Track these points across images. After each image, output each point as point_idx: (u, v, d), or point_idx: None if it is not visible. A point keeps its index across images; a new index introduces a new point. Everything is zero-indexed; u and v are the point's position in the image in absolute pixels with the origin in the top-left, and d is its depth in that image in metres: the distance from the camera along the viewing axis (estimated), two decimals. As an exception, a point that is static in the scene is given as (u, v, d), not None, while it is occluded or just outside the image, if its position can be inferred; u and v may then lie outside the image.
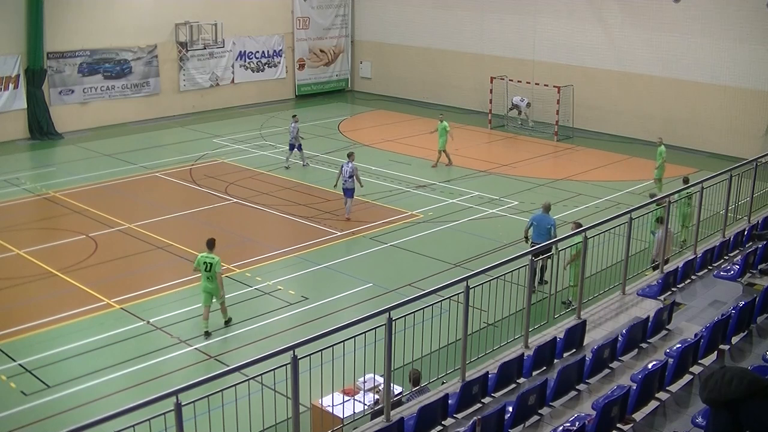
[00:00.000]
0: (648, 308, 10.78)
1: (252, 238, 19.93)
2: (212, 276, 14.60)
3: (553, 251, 12.87)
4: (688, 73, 27.92)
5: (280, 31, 36.47)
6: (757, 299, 9.46)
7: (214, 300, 14.73)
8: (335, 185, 21.12)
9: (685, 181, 18.25)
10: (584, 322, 10.29)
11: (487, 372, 8.83)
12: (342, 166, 20.67)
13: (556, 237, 14.55)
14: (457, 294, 9.03)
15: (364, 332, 8.11)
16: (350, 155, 20.98)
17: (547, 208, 16.74)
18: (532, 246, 14.98)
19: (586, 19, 30.35)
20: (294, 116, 25.68)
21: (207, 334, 14.53)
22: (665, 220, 14.11)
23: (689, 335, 9.38)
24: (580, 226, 12.92)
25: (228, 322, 14.99)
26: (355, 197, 20.68)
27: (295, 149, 25.26)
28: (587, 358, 8.87)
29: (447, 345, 9.99)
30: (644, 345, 9.60)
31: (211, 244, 14.94)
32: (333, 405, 9.70)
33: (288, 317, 15.43)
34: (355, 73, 39.46)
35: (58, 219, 21.16)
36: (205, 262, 14.65)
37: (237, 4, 34.34)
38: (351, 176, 20.35)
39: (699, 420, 7.03)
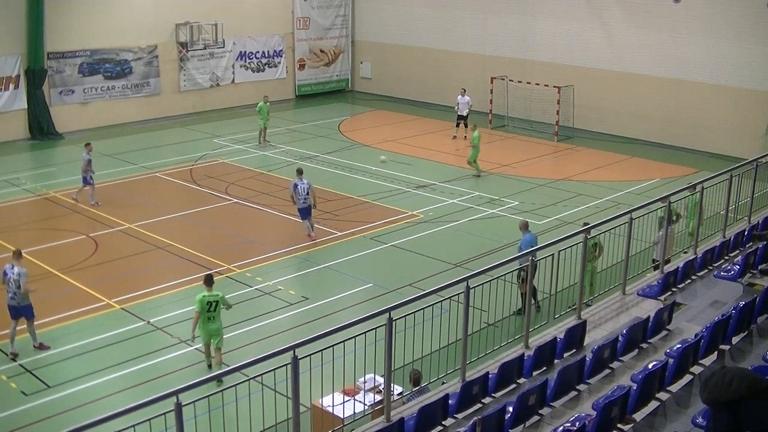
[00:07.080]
0: (648, 308, 10.77)
1: (252, 238, 19.93)
2: (216, 315, 13.01)
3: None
4: (688, 73, 27.89)
5: (280, 31, 36.46)
6: (758, 299, 9.45)
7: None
8: (296, 206, 19.05)
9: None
10: (584, 322, 10.28)
11: (488, 372, 8.83)
12: (296, 185, 18.80)
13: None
14: (458, 294, 9.03)
15: (365, 332, 8.10)
16: (300, 171, 19.34)
17: (526, 226, 15.61)
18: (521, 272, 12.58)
19: (586, 19, 30.33)
20: (87, 144, 21.82)
21: (210, 366, 13.08)
22: (666, 220, 14.09)
23: (689, 335, 9.37)
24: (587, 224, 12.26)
25: (211, 367, 13.14)
26: (353, 196, 20.56)
27: (88, 183, 21.49)
28: (587, 359, 8.87)
29: (447, 345, 9.99)
30: (644, 345, 9.60)
31: (209, 281, 13.26)
32: (333, 405, 9.68)
33: (288, 317, 15.42)
34: (355, 73, 39.44)
35: (58, 219, 21.15)
36: (208, 302, 12.94)
37: (237, 4, 34.34)
38: (308, 193, 18.79)
39: (699, 420, 7.04)
